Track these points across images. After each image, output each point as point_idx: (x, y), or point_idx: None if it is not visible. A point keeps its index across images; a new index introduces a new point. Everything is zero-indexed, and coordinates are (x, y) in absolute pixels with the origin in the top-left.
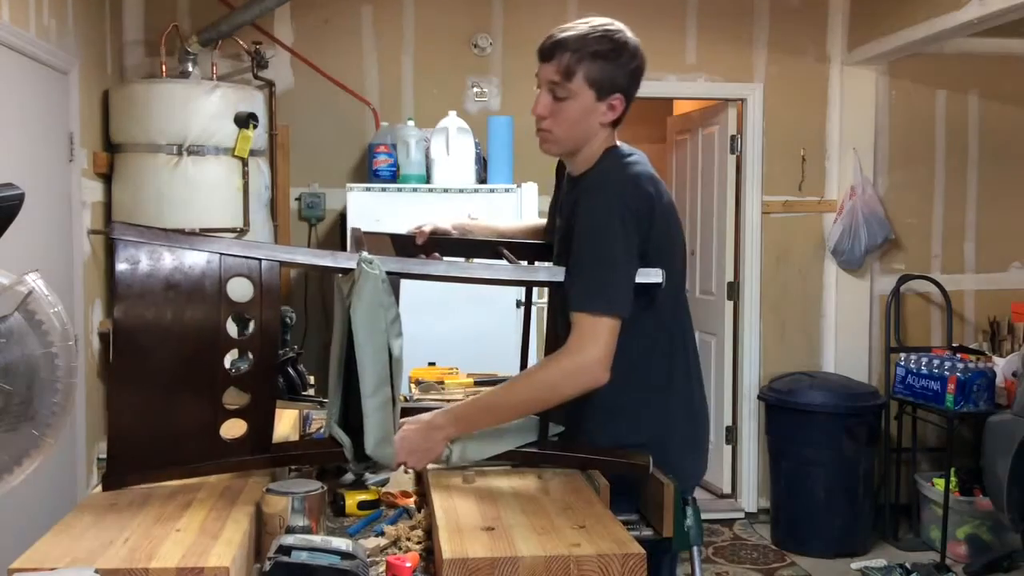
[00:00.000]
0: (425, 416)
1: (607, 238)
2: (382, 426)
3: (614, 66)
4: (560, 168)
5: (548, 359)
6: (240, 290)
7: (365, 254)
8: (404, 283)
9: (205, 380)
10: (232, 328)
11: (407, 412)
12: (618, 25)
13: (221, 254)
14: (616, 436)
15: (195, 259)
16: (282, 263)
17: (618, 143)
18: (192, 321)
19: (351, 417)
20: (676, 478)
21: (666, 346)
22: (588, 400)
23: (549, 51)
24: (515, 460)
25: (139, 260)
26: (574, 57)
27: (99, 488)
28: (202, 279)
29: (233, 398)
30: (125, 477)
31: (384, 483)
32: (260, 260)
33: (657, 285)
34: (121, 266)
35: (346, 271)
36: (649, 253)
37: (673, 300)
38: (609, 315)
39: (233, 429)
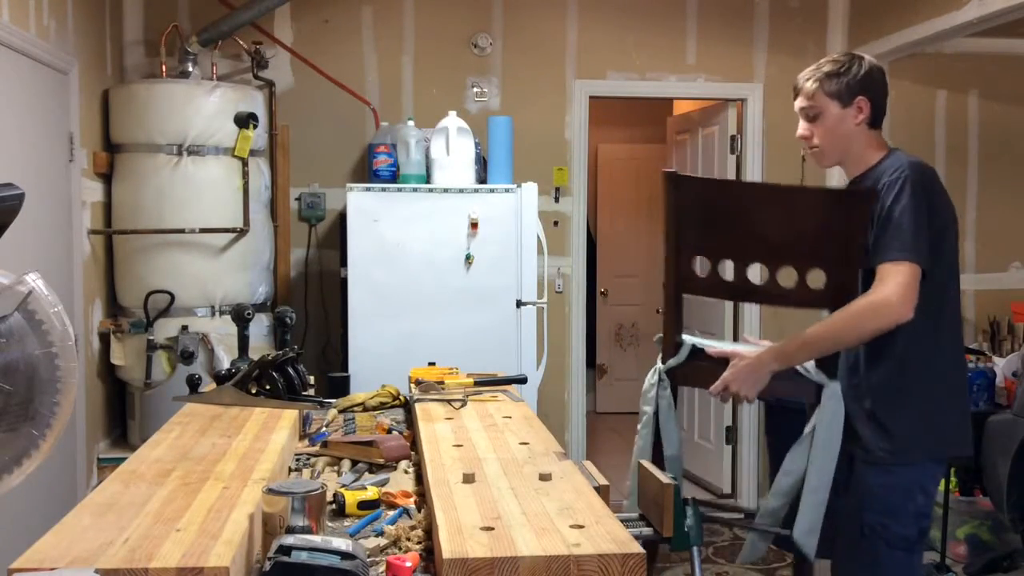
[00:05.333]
0: (750, 353)
1: (907, 208)
2: (813, 520)
3: (847, 77)
4: None
5: (858, 298)
6: None
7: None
8: (404, 283)
9: None
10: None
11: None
12: (849, 54)
13: None
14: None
15: None
16: None
17: (894, 148)
18: None
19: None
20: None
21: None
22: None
23: (796, 89)
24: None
25: None
26: (812, 81)
27: (99, 488)
28: None
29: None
30: None
31: (384, 483)
32: None
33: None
34: None
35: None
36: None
37: (941, 288)
38: (908, 261)
39: None
